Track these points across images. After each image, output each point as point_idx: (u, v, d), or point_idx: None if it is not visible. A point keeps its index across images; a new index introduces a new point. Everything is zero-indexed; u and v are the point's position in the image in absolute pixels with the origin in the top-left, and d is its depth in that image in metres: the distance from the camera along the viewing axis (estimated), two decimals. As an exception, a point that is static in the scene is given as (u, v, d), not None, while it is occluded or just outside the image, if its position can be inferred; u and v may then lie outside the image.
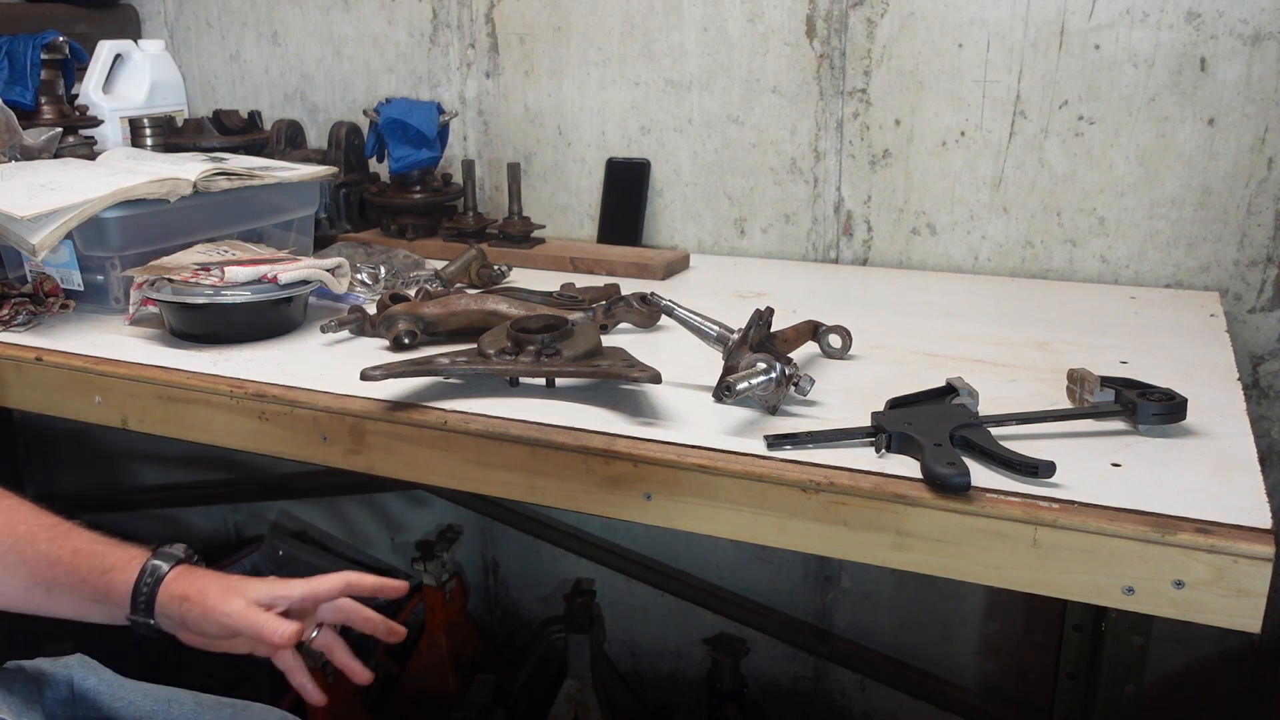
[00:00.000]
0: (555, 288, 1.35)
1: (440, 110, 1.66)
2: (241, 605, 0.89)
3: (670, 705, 2.06)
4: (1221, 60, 1.38)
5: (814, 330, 1.16)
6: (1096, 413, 0.94)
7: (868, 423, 0.91)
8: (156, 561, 0.92)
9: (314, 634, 0.98)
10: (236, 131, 1.77)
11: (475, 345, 1.09)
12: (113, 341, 1.23)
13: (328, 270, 1.28)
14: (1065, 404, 0.99)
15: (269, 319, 1.24)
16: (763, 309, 1.06)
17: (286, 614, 0.93)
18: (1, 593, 0.94)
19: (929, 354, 1.16)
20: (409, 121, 1.63)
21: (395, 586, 0.99)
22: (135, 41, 1.94)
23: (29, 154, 1.53)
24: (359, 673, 0.99)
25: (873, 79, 1.56)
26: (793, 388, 0.95)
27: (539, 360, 1.03)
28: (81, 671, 1.07)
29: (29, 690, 1.03)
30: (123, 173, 1.32)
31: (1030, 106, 1.48)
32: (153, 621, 0.92)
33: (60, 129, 1.63)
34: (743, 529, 0.88)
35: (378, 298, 1.32)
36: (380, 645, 2.01)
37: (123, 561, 0.92)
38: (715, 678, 1.89)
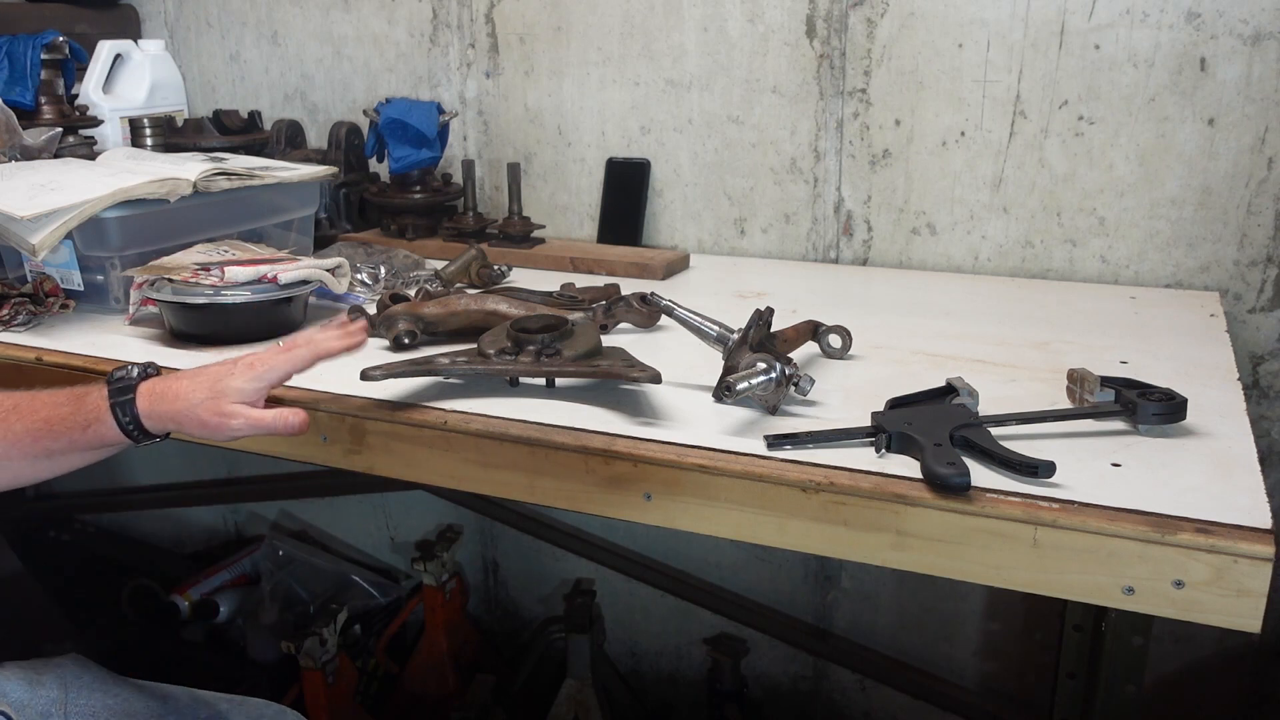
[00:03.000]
0: (555, 288, 1.35)
1: (440, 110, 1.66)
2: (242, 417, 0.89)
3: (670, 705, 2.06)
4: (1221, 60, 1.38)
5: (814, 330, 1.16)
6: (1096, 413, 0.94)
7: (868, 423, 0.91)
8: (120, 400, 0.91)
9: None
10: (236, 131, 1.78)
11: (475, 345, 1.09)
12: (113, 341, 1.23)
13: (328, 270, 1.28)
14: (1065, 404, 0.99)
15: (269, 319, 1.24)
16: (763, 309, 1.06)
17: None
18: (16, 473, 0.95)
19: (929, 354, 1.16)
20: (409, 121, 1.63)
21: (357, 342, 0.97)
22: (135, 41, 1.94)
23: (29, 154, 1.53)
24: (354, 331, 0.98)
25: (873, 79, 1.56)
26: (793, 388, 0.95)
27: (539, 360, 1.03)
28: (77, 670, 1.07)
29: (27, 689, 1.03)
30: (123, 173, 1.32)
31: (1030, 106, 1.48)
32: (158, 439, 0.94)
33: (60, 129, 1.63)
34: (743, 529, 0.88)
35: (378, 298, 1.32)
36: (380, 645, 2.01)
37: (95, 413, 0.91)
38: (715, 678, 1.89)
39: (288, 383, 1.07)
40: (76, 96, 1.83)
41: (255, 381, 0.91)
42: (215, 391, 0.90)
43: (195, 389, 0.91)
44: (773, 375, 0.94)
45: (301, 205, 1.51)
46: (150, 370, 0.95)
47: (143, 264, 1.26)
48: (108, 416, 0.91)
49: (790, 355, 1.06)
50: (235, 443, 1.09)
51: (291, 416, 0.90)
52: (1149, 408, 0.91)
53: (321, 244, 1.60)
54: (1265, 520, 0.76)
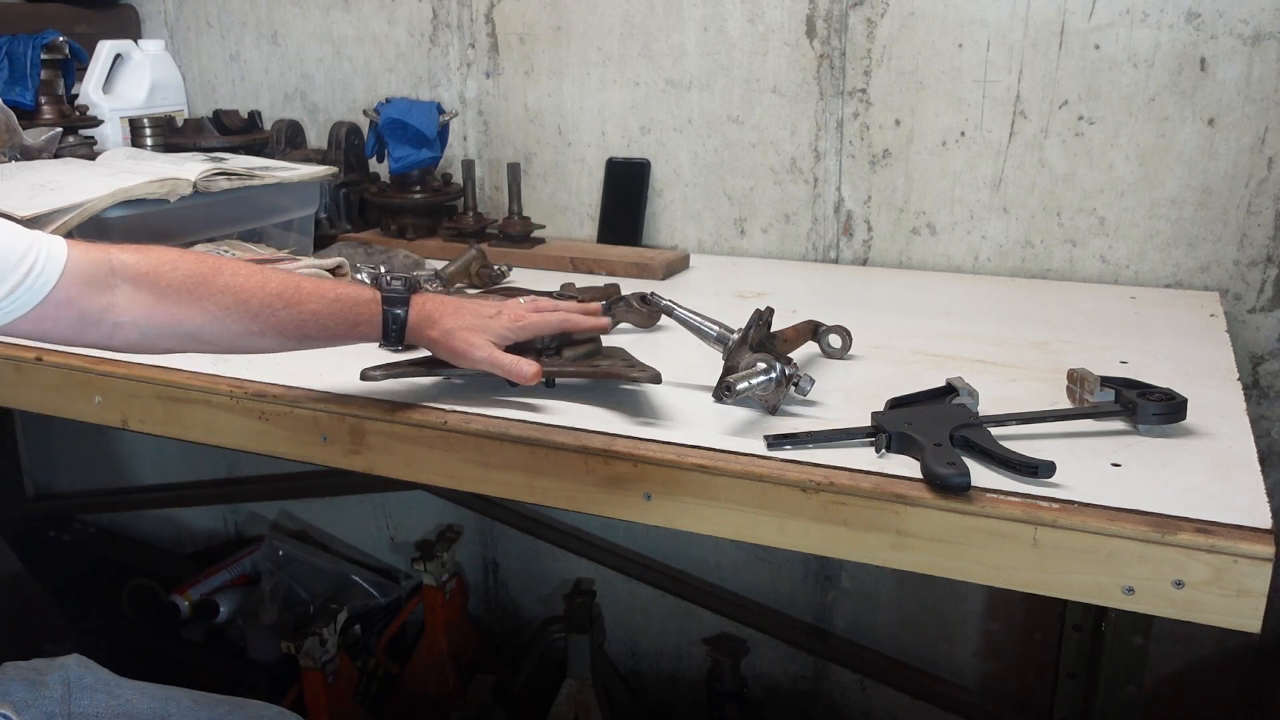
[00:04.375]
0: (555, 288, 1.35)
1: (440, 110, 1.66)
2: (486, 352, 0.96)
3: (670, 705, 2.06)
4: (1221, 60, 1.38)
5: (814, 330, 1.16)
6: (1096, 413, 0.94)
7: (868, 423, 0.91)
8: (394, 311, 0.97)
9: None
10: (236, 131, 1.78)
11: (475, 345, 1.09)
12: (113, 341, 1.23)
13: (328, 270, 1.28)
14: (1065, 404, 0.99)
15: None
16: (763, 309, 1.06)
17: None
18: (261, 346, 0.98)
19: (929, 354, 1.16)
20: (409, 121, 1.63)
21: (602, 324, 1.06)
22: (135, 41, 1.94)
23: (29, 154, 1.53)
24: (598, 316, 1.07)
25: (873, 79, 1.56)
26: (793, 388, 0.95)
27: (539, 360, 1.03)
28: (79, 671, 1.07)
29: (27, 690, 1.03)
30: (123, 173, 1.32)
31: (1030, 106, 1.48)
32: (411, 354, 1.04)
33: (60, 129, 1.63)
34: (743, 529, 0.88)
35: (378, 298, 1.32)
36: (380, 645, 2.01)
37: (365, 315, 0.97)
38: (715, 678, 1.89)
39: (287, 382, 1.07)
40: (76, 96, 1.83)
41: (511, 331, 0.99)
42: (477, 326, 0.98)
43: (460, 318, 0.98)
44: (773, 375, 0.94)
45: (301, 205, 1.51)
46: (413, 283, 1.02)
47: (143, 264, 1.26)
48: (378, 320, 0.97)
49: (790, 355, 1.06)
50: (235, 442, 1.09)
51: (526, 366, 0.95)
52: (1149, 408, 0.91)
53: (321, 244, 1.60)
54: (1265, 520, 0.76)
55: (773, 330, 1.08)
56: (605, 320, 1.06)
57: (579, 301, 1.28)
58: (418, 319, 0.97)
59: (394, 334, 0.97)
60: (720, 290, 1.48)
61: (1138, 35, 1.41)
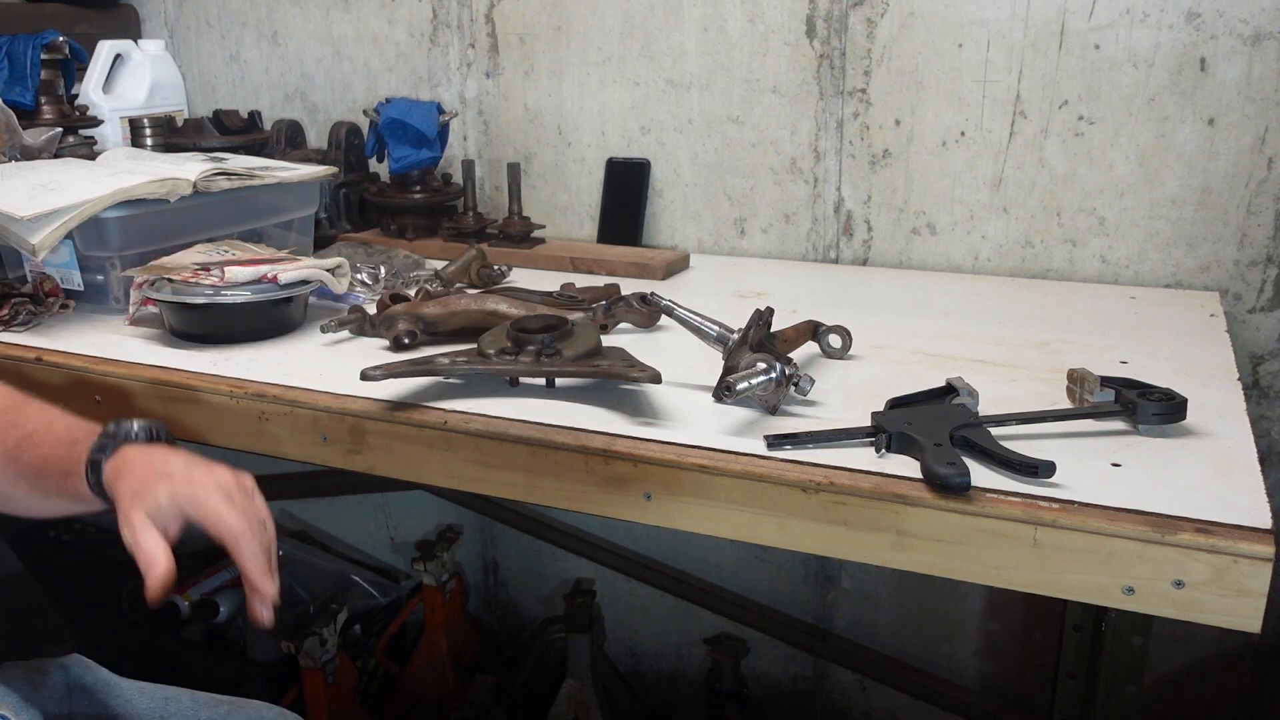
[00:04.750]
0: (555, 288, 1.35)
1: (440, 110, 1.66)
2: (131, 533, 0.79)
3: (670, 705, 2.06)
4: (1221, 60, 1.38)
5: (814, 330, 1.16)
6: (1096, 413, 0.94)
7: (868, 423, 0.91)
8: (95, 458, 0.85)
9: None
10: (236, 131, 1.77)
11: (475, 345, 1.09)
12: (113, 341, 1.23)
13: (328, 270, 1.28)
14: (1065, 404, 0.99)
15: (269, 319, 1.24)
16: (763, 309, 1.06)
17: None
18: (26, 507, 0.91)
19: (929, 354, 1.16)
20: (409, 121, 1.63)
21: (263, 595, 0.87)
22: (135, 41, 1.94)
23: (29, 154, 1.53)
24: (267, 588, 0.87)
25: (873, 79, 1.56)
26: (793, 388, 0.95)
27: (539, 360, 1.03)
28: (79, 671, 1.07)
29: (27, 690, 1.03)
30: (123, 173, 1.32)
31: (1030, 106, 1.48)
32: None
33: (60, 129, 1.62)
34: (743, 529, 0.88)
35: (378, 298, 1.32)
36: (380, 645, 2.01)
37: (75, 463, 0.86)
38: (715, 678, 1.89)
39: (287, 382, 1.07)
40: (76, 96, 1.83)
41: (175, 505, 0.81)
42: (136, 494, 0.82)
43: (135, 477, 0.83)
44: (773, 375, 0.94)
45: (301, 205, 1.51)
46: (155, 431, 0.89)
47: (143, 264, 1.26)
48: (81, 468, 0.85)
49: (790, 355, 1.06)
50: (235, 442, 1.09)
51: (159, 569, 0.78)
52: (1149, 408, 0.91)
53: (321, 244, 1.60)
54: (1265, 520, 0.76)
55: (773, 330, 1.08)
56: (266, 592, 0.85)
57: (576, 300, 1.28)
58: (112, 469, 0.84)
59: (96, 489, 0.84)
60: (720, 290, 1.48)
61: (1138, 35, 1.41)
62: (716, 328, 1.07)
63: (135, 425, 0.88)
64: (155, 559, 0.78)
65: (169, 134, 1.76)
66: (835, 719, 1.93)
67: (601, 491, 0.92)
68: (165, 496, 0.81)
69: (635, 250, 1.65)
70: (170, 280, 1.20)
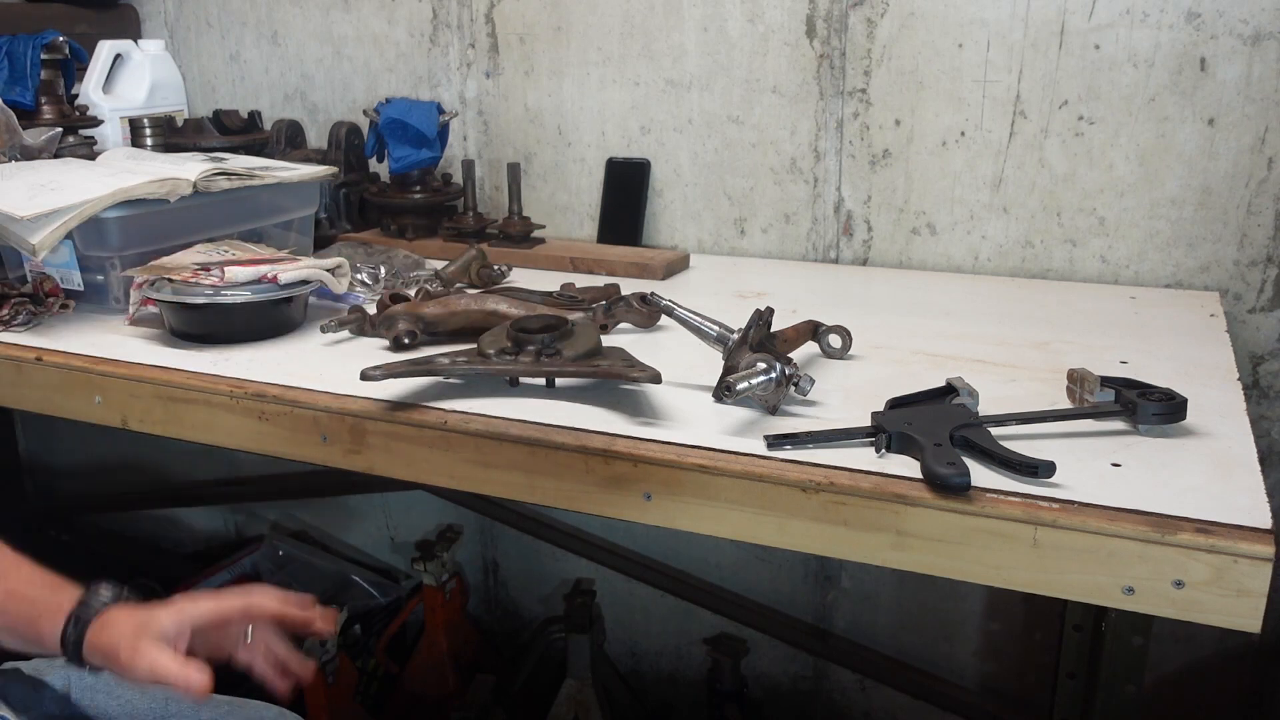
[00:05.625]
0: (555, 288, 1.35)
1: (440, 110, 1.66)
2: (149, 661, 0.86)
3: (670, 705, 2.06)
4: (1221, 60, 1.38)
5: (814, 330, 1.16)
6: (1096, 413, 0.94)
7: (868, 423, 0.91)
8: (81, 611, 0.90)
9: (248, 639, 0.97)
10: (236, 131, 1.77)
11: (475, 345, 1.09)
12: (113, 341, 1.23)
13: (328, 270, 1.28)
14: (1065, 404, 0.99)
15: (269, 319, 1.24)
16: (763, 309, 1.06)
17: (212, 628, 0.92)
18: None
19: (929, 354, 1.16)
20: (409, 121, 1.63)
21: (302, 620, 0.96)
22: (135, 41, 1.94)
23: (29, 154, 1.53)
24: (299, 668, 0.98)
25: (873, 79, 1.56)
26: (793, 388, 0.95)
27: (539, 360, 1.03)
28: (79, 671, 1.07)
29: (27, 690, 1.03)
30: (123, 173, 1.32)
31: (1030, 106, 1.48)
32: (86, 668, 0.91)
33: (60, 129, 1.62)
34: (743, 529, 0.88)
35: (378, 298, 1.32)
36: (380, 645, 2.01)
37: (49, 609, 0.91)
38: (715, 678, 1.89)
39: (287, 382, 1.07)
40: (76, 96, 1.83)
41: (178, 620, 0.89)
42: (139, 628, 0.88)
43: (126, 625, 0.89)
44: (773, 375, 0.94)
45: (301, 205, 1.51)
46: (125, 595, 0.94)
47: (143, 264, 1.26)
48: (59, 628, 0.89)
49: (790, 355, 1.06)
50: (234, 442, 1.09)
51: (195, 676, 0.84)
52: (1149, 408, 0.91)
53: (321, 244, 1.60)
54: (1265, 520, 0.76)
55: (773, 330, 1.08)
56: (307, 617, 0.96)
57: (576, 300, 1.28)
58: (96, 629, 0.89)
59: (73, 642, 0.89)
60: (720, 290, 1.48)
61: (1138, 35, 1.41)
62: (716, 328, 1.07)
63: (107, 590, 0.93)
64: (183, 672, 0.84)
65: (169, 134, 1.76)
66: (835, 719, 1.93)
67: (601, 491, 0.93)
68: (165, 620, 0.88)
69: (635, 250, 1.65)
70: (170, 280, 1.20)
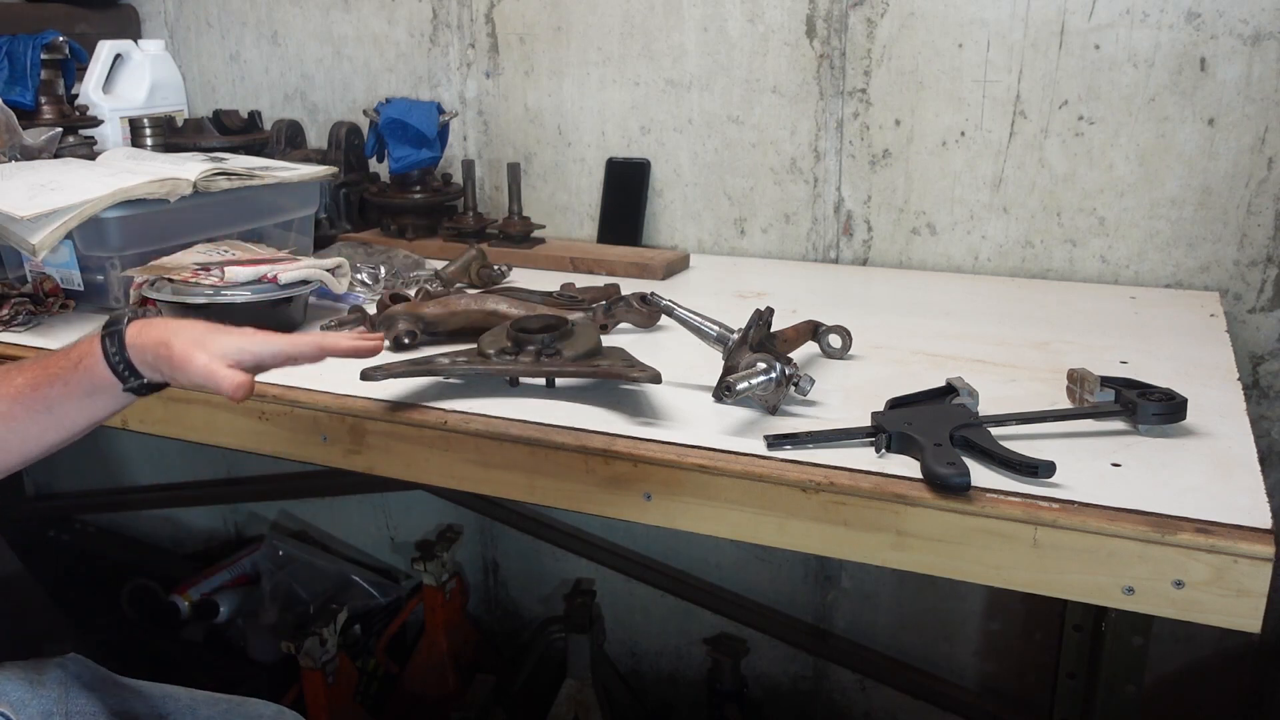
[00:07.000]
0: (555, 288, 1.35)
1: (440, 110, 1.66)
2: (203, 361, 0.86)
3: (670, 705, 2.06)
4: (1221, 60, 1.38)
5: (814, 330, 1.16)
6: (1096, 413, 0.94)
7: (868, 423, 0.91)
8: (110, 330, 0.90)
9: None
10: (236, 131, 1.77)
11: (475, 345, 1.09)
12: (113, 341, 1.23)
13: (328, 270, 1.28)
14: (1065, 404, 0.99)
15: (269, 319, 1.24)
16: (763, 309, 1.06)
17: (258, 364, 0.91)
18: (24, 436, 0.92)
19: (929, 354, 1.16)
20: (409, 121, 1.63)
21: (370, 347, 0.95)
22: (135, 41, 1.94)
23: (29, 154, 1.53)
24: (369, 341, 0.96)
25: (873, 79, 1.56)
26: (793, 388, 0.95)
27: (539, 360, 1.03)
28: (77, 670, 1.07)
29: (26, 689, 1.03)
30: (123, 173, 1.32)
31: (1030, 106, 1.48)
32: (145, 380, 0.91)
33: (60, 129, 1.62)
34: (743, 529, 0.88)
35: (378, 298, 1.32)
36: (380, 645, 2.01)
37: (87, 347, 0.91)
38: (715, 678, 1.89)
39: (287, 382, 1.07)
40: (76, 96, 1.83)
41: (241, 346, 0.88)
42: (199, 336, 0.88)
43: (183, 327, 0.90)
44: (773, 375, 0.94)
45: (301, 205, 1.51)
46: (148, 312, 0.94)
47: (143, 264, 1.26)
48: (97, 348, 0.89)
49: (790, 355, 1.06)
50: (235, 442, 1.09)
51: (235, 382, 0.84)
52: (1149, 408, 0.91)
53: (321, 244, 1.60)
54: (1265, 520, 0.76)
55: (773, 330, 1.08)
56: (372, 345, 0.95)
57: (576, 300, 1.28)
58: (137, 331, 0.90)
59: (117, 359, 0.89)
60: (720, 290, 1.48)
61: (1138, 35, 1.41)
62: (716, 328, 1.07)
63: (118, 325, 0.91)
64: (230, 379, 0.84)
65: (169, 134, 1.76)
66: (835, 719, 1.93)
67: (601, 491, 0.93)
68: (228, 338, 0.88)
69: (635, 250, 1.65)
70: (170, 280, 1.20)
